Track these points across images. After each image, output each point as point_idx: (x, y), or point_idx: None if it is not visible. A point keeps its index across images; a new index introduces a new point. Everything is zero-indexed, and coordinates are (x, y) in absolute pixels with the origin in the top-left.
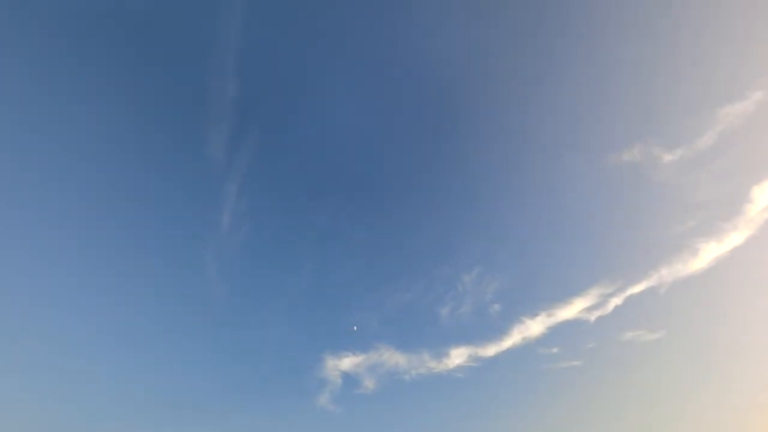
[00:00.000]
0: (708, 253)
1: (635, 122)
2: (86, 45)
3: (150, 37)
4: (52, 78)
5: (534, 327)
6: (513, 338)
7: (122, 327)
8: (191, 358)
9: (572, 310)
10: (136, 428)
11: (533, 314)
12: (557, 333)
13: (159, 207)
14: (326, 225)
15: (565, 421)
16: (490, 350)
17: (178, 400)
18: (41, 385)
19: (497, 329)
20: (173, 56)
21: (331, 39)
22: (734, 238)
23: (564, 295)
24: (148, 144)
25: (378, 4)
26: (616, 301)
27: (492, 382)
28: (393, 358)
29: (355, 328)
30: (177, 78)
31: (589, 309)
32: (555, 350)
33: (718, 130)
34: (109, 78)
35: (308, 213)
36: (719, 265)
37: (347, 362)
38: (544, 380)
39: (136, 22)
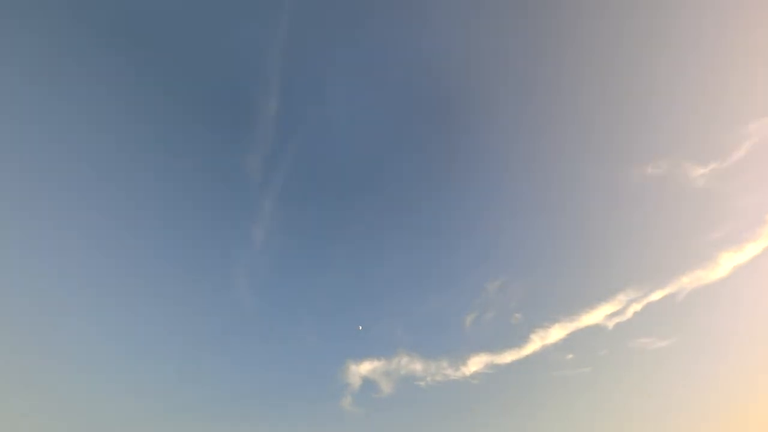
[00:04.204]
0: (730, 261)
1: (669, 136)
2: (132, 59)
3: (197, 54)
4: (97, 89)
5: (554, 334)
6: (533, 345)
7: (156, 337)
8: (222, 364)
9: (597, 316)
10: (171, 429)
11: (556, 321)
12: (575, 340)
13: (195, 221)
14: (355, 239)
15: (571, 429)
16: (508, 357)
17: (209, 404)
18: (77, 395)
19: (518, 337)
20: (218, 74)
21: (366, 58)
22: (755, 247)
23: (590, 301)
24: (189, 159)
25: (416, 25)
26: (636, 307)
27: (505, 389)
28: (411, 364)
29: (360, 327)
30: (222, 95)
31: (611, 315)
32: (570, 357)
33: (749, 144)
34: (152, 93)
35: (338, 227)
36: (737, 274)
37: (367, 367)
38: (555, 387)
39: (182, 40)
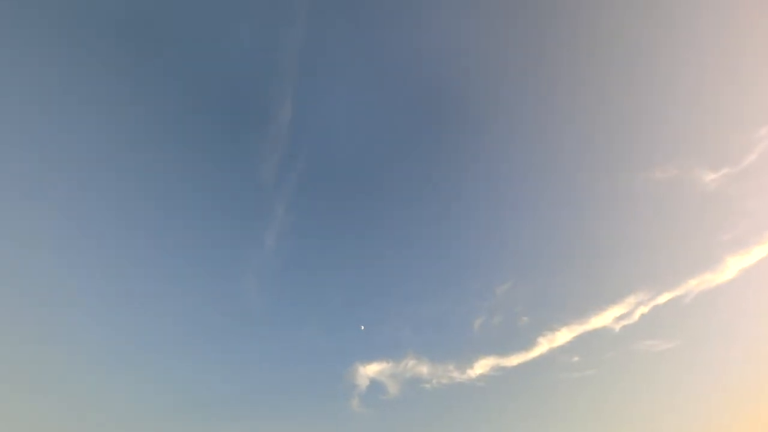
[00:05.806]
0: (737, 264)
1: (680, 140)
2: (147, 63)
3: (212, 59)
4: (109, 93)
5: (561, 337)
6: (540, 348)
7: (166, 336)
8: (231, 364)
9: (604, 318)
10: (182, 428)
11: (563, 324)
12: (582, 342)
13: (208, 222)
14: (365, 242)
15: (576, 431)
16: (515, 360)
17: (217, 403)
18: (85, 393)
19: (526, 339)
20: (233, 78)
21: (380, 64)
22: (762, 250)
23: (597, 304)
24: (203, 162)
25: (430, 33)
26: (643, 309)
27: (511, 391)
28: (418, 366)
29: (362, 327)
30: (236, 99)
31: (619, 318)
32: (576, 359)
33: (761, 148)
34: (166, 96)
35: (348, 231)
36: (744, 277)
37: (375, 368)
38: (561, 389)
39: (196, 45)
